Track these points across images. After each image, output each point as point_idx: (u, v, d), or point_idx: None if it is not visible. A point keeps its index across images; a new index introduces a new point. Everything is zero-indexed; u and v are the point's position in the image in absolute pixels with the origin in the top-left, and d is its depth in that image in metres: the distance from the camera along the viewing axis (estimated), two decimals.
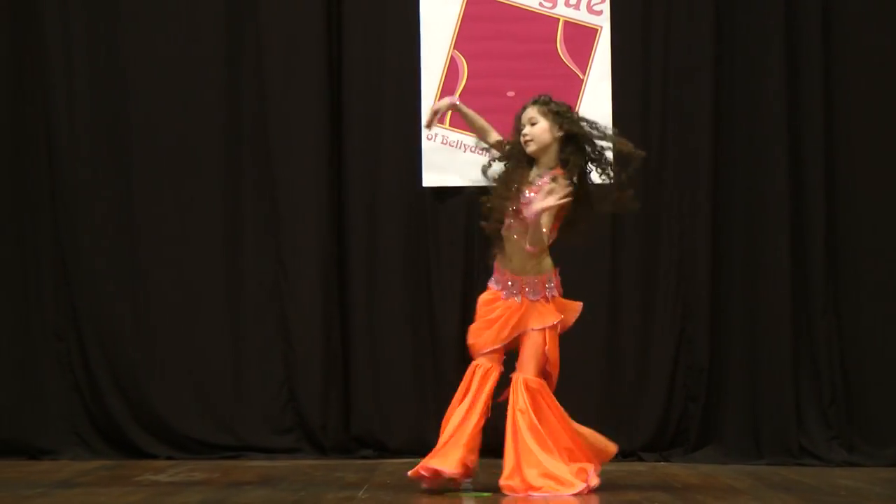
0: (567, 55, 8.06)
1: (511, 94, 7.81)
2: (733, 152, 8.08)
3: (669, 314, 8.04)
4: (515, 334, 6.55)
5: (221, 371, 8.13)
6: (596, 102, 8.01)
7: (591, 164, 6.63)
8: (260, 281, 8.16)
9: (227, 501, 6.26)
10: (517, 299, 6.57)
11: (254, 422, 8.08)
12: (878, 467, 7.69)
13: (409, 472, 6.57)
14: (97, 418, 8.11)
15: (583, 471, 6.48)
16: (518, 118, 6.66)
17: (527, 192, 6.53)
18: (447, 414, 6.64)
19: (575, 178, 6.56)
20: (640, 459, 7.93)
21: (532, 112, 6.59)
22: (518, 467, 6.40)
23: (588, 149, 6.60)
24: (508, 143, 6.70)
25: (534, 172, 6.60)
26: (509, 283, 6.59)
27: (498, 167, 6.71)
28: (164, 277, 8.15)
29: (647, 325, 8.05)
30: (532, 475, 6.36)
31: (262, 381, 8.12)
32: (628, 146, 6.58)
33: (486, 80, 7.98)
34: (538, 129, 6.57)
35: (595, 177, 6.68)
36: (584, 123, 6.62)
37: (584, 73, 8.05)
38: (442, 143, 8.06)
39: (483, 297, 6.69)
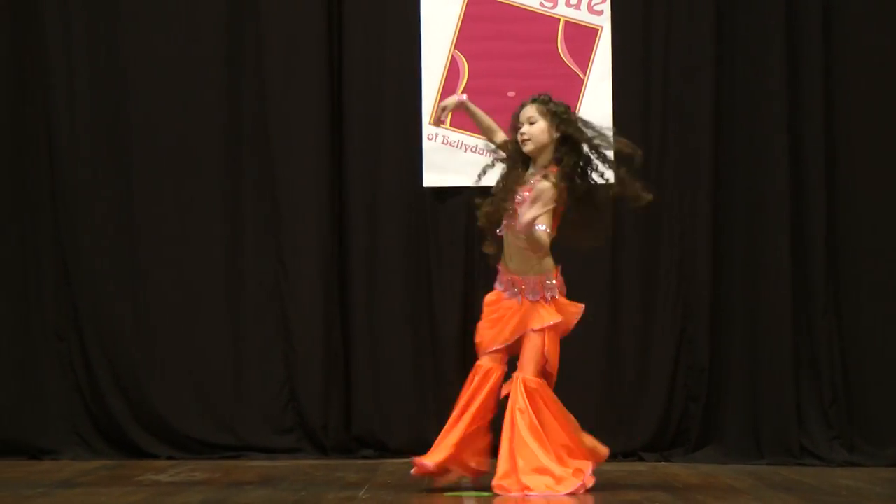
0: (568, 55, 8.06)
1: (512, 94, 7.81)
2: (734, 152, 8.08)
3: (670, 314, 8.04)
4: (517, 335, 6.55)
5: (222, 371, 8.13)
6: (596, 102, 8.01)
7: (587, 163, 6.60)
8: (260, 281, 8.16)
9: (228, 501, 6.26)
10: (518, 300, 6.57)
11: (254, 422, 8.08)
12: (878, 467, 7.69)
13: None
14: (98, 418, 8.11)
15: (579, 471, 6.47)
16: (516, 116, 6.65)
17: (521, 191, 6.53)
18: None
19: (577, 178, 6.55)
20: (641, 459, 7.93)
21: (531, 111, 6.58)
22: (513, 467, 6.39)
23: (585, 148, 6.59)
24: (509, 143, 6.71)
25: (529, 171, 6.60)
26: (510, 283, 6.59)
27: (499, 168, 6.72)
28: (165, 277, 8.15)
29: (648, 325, 8.05)
30: (528, 474, 6.36)
31: (262, 381, 8.12)
32: (628, 147, 6.58)
33: (486, 80, 7.98)
34: (536, 129, 6.56)
35: (595, 177, 6.68)
36: (581, 126, 6.60)
37: (585, 74, 8.05)
38: (442, 143, 8.06)
39: (488, 298, 6.70)
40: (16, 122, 8.22)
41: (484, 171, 6.79)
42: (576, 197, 6.57)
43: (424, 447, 7.76)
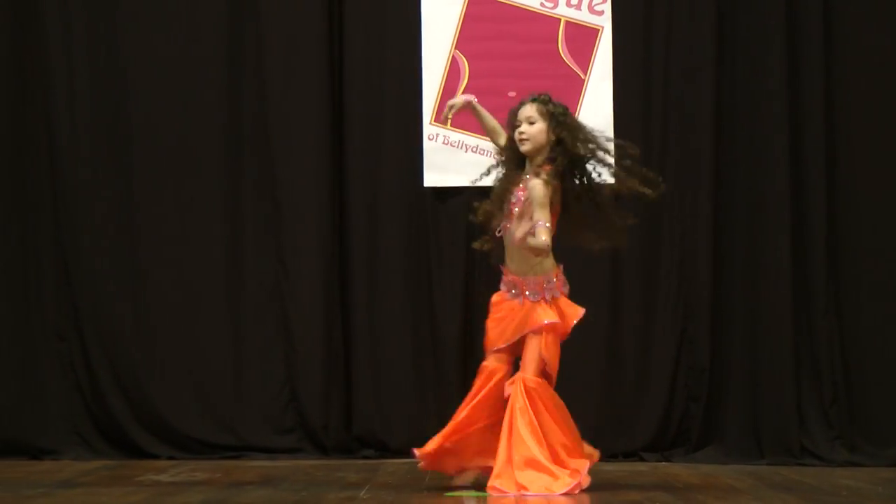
0: (568, 55, 8.06)
1: (512, 94, 7.80)
2: (734, 152, 8.08)
3: (671, 314, 8.04)
4: (518, 335, 6.55)
5: (222, 371, 8.13)
6: (597, 103, 8.01)
7: (581, 165, 6.58)
8: (261, 281, 8.16)
9: (229, 501, 6.26)
10: (519, 301, 6.57)
11: (255, 422, 8.08)
12: (879, 467, 7.68)
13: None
14: (98, 418, 8.11)
15: (576, 471, 6.47)
16: (514, 113, 6.62)
17: (515, 192, 6.53)
18: None
19: (571, 179, 6.54)
20: (642, 459, 7.93)
21: (531, 110, 6.57)
22: (509, 467, 6.39)
23: (580, 149, 6.56)
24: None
25: (525, 171, 6.59)
26: (512, 284, 6.60)
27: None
28: (165, 277, 8.15)
29: (649, 326, 8.05)
30: (523, 470, 6.36)
31: (263, 382, 8.12)
32: (631, 149, 6.60)
33: (487, 81, 7.98)
34: (535, 130, 6.55)
35: (592, 178, 6.67)
36: (577, 131, 6.56)
37: (586, 74, 8.05)
38: (443, 143, 8.06)
39: (493, 298, 6.71)
40: (16, 122, 8.22)
41: (488, 171, 6.80)
42: (574, 197, 6.57)
43: None
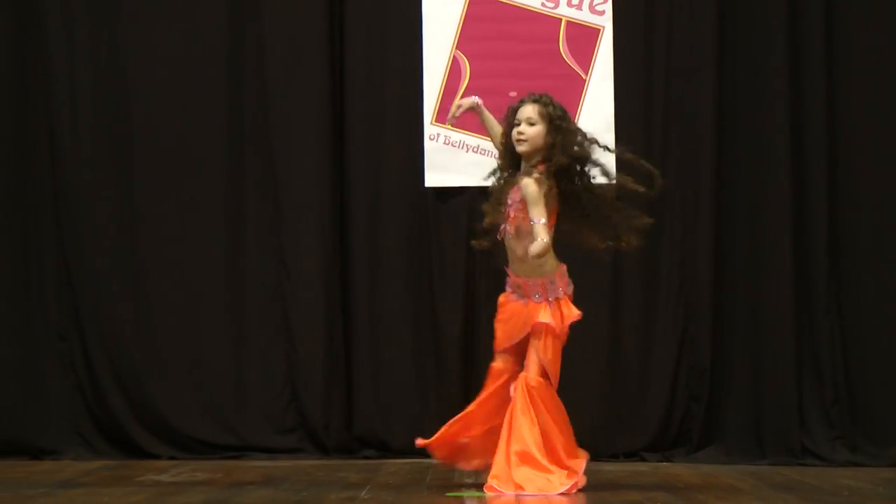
0: (569, 55, 8.06)
1: (513, 94, 7.77)
2: (736, 152, 8.08)
3: (672, 314, 8.04)
4: (522, 335, 6.55)
5: (224, 371, 8.13)
6: (598, 103, 8.01)
7: (574, 167, 6.56)
8: (262, 281, 8.16)
9: (230, 502, 6.26)
10: (524, 302, 6.57)
11: (256, 422, 8.08)
12: (880, 467, 7.68)
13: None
14: (99, 418, 8.11)
15: (573, 472, 6.48)
16: (514, 111, 6.59)
17: (510, 193, 6.52)
18: None
19: (565, 180, 6.53)
20: (643, 459, 7.93)
21: (531, 111, 6.54)
22: (507, 466, 6.39)
23: (573, 154, 6.54)
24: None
25: (520, 171, 6.57)
26: (516, 286, 6.59)
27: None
28: (167, 277, 8.15)
29: (650, 325, 8.05)
30: (521, 471, 6.36)
31: (264, 382, 8.12)
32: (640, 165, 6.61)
33: (488, 80, 7.97)
34: (534, 132, 6.53)
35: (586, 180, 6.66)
36: (572, 137, 6.53)
37: (587, 74, 8.05)
38: (444, 143, 8.06)
39: (500, 298, 6.70)
40: (17, 122, 8.22)
41: (493, 172, 6.78)
42: (572, 196, 6.55)
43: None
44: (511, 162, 6.62)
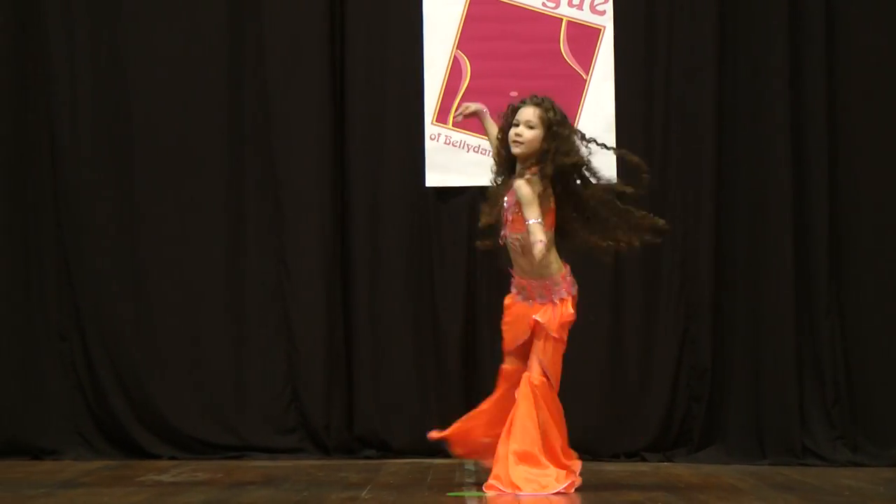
0: (570, 55, 8.06)
1: (514, 93, 7.78)
2: (736, 152, 8.08)
3: (673, 314, 8.04)
4: (526, 337, 6.54)
5: (224, 371, 8.13)
6: (599, 103, 8.01)
7: (567, 172, 6.55)
8: (263, 281, 8.15)
9: (230, 502, 6.25)
10: (528, 303, 6.56)
11: (257, 422, 8.08)
12: (881, 467, 7.68)
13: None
14: (100, 418, 8.11)
15: (571, 472, 6.48)
16: (513, 111, 6.55)
17: (506, 195, 6.52)
18: None
19: (559, 183, 6.52)
20: (644, 460, 7.93)
21: (531, 114, 6.51)
22: (505, 466, 6.39)
23: (566, 162, 6.53)
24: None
25: (515, 173, 6.57)
26: (521, 287, 6.58)
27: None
28: (167, 277, 8.15)
29: (651, 326, 8.05)
30: (519, 469, 6.36)
31: (265, 382, 8.12)
32: (636, 161, 6.60)
33: (489, 80, 7.97)
34: (531, 135, 6.50)
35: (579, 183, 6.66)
36: (568, 144, 6.49)
37: (588, 73, 8.05)
38: (445, 143, 8.06)
39: (506, 300, 6.68)
40: (18, 122, 8.22)
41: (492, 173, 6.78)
42: (569, 199, 6.54)
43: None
44: (507, 164, 6.61)
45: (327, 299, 8.08)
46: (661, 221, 6.63)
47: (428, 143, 8.06)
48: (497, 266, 6.79)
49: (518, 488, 6.31)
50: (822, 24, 8.01)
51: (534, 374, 6.49)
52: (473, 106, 6.80)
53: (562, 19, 8.06)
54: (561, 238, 6.57)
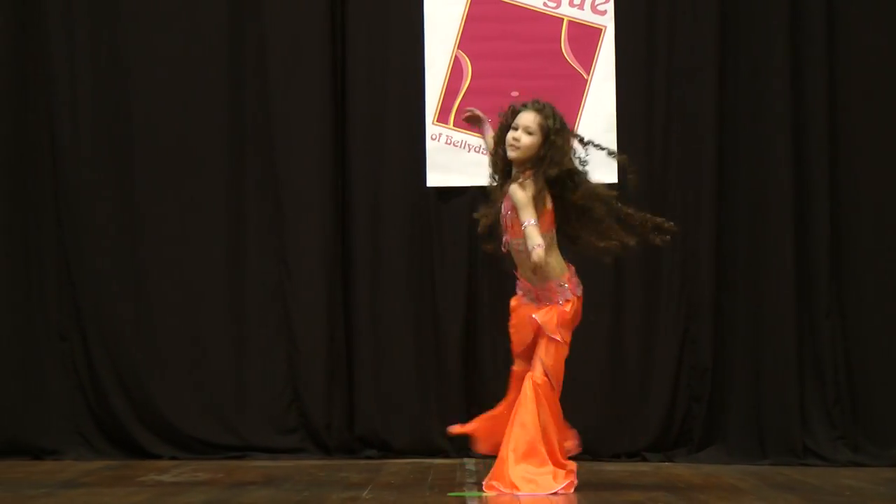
0: (571, 55, 8.06)
1: (515, 93, 7.79)
2: (737, 153, 8.08)
3: (673, 314, 8.04)
4: (531, 339, 6.55)
5: (225, 371, 8.13)
6: (600, 103, 8.01)
7: (560, 178, 6.55)
8: (263, 281, 8.15)
9: (231, 502, 6.25)
10: (535, 305, 6.56)
11: (257, 422, 8.08)
12: (882, 467, 7.68)
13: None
14: (101, 418, 8.11)
15: (570, 471, 6.48)
16: (514, 113, 6.54)
17: (504, 201, 6.52)
18: None
19: (568, 189, 6.52)
20: (644, 460, 7.93)
21: (531, 120, 6.48)
22: (506, 466, 6.40)
23: (557, 171, 6.52)
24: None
25: (511, 177, 6.57)
26: (527, 290, 6.58)
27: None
28: (168, 277, 8.15)
29: (651, 325, 8.05)
30: (519, 468, 6.36)
31: (265, 382, 8.12)
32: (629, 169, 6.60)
33: (490, 80, 7.98)
34: (529, 142, 6.48)
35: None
36: (563, 153, 6.47)
37: (589, 73, 8.05)
38: (446, 143, 8.06)
39: (512, 302, 6.68)
40: (18, 122, 8.22)
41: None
42: (565, 203, 6.54)
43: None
44: (502, 163, 6.59)
45: (328, 299, 8.08)
46: (667, 223, 6.62)
47: (429, 143, 8.06)
48: (498, 266, 6.79)
49: (516, 488, 6.32)
50: (822, 25, 8.01)
51: (536, 373, 6.49)
52: (478, 114, 6.79)
53: (563, 19, 8.06)
54: (566, 241, 6.57)
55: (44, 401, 8.12)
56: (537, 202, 6.39)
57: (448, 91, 8.03)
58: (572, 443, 6.64)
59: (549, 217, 6.48)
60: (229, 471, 7.41)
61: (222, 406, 8.10)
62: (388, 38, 8.15)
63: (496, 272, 6.80)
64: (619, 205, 6.58)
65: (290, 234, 8.13)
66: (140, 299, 8.15)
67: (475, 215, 6.79)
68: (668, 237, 6.62)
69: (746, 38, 8.09)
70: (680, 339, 8.03)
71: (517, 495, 6.29)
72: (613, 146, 7.90)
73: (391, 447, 8.02)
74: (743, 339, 8.01)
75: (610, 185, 6.76)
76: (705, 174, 8.07)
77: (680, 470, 7.52)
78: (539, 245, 6.27)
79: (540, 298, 6.53)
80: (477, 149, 7.98)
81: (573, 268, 6.57)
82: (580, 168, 6.53)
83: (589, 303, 6.72)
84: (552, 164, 6.43)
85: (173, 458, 7.97)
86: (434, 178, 8.07)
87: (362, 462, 7.85)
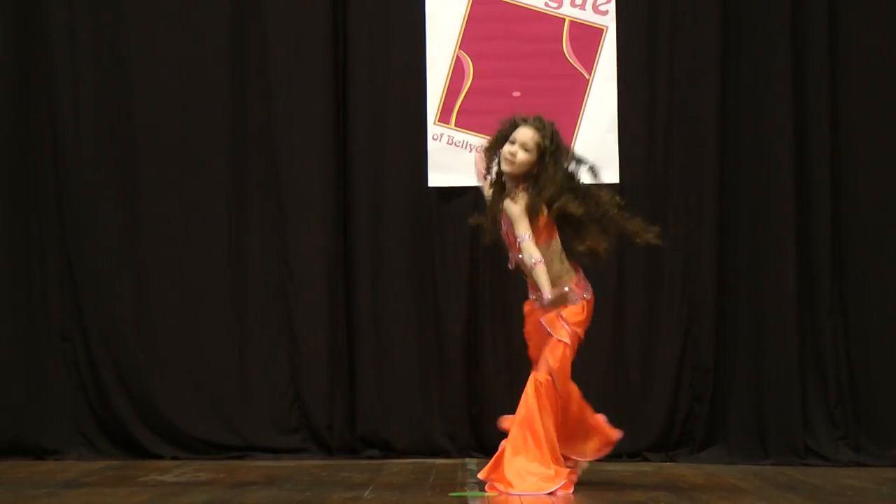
0: (573, 55, 8.06)
1: (517, 94, 7.81)
2: (739, 155, 8.08)
3: (675, 314, 8.04)
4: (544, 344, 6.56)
5: (227, 371, 8.13)
6: (601, 103, 8.01)
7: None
8: (265, 281, 8.16)
9: (233, 502, 6.25)
10: (545, 310, 6.54)
11: (259, 422, 8.08)
12: (884, 467, 7.68)
13: None
14: (102, 418, 8.11)
15: (571, 472, 6.48)
16: (513, 126, 6.54)
17: (502, 217, 6.53)
18: None
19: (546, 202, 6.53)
20: (646, 459, 7.93)
21: (529, 137, 6.49)
22: (502, 464, 6.40)
23: (550, 190, 6.52)
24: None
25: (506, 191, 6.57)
26: (537, 294, 6.57)
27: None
28: (170, 277, 8.15)
29: (653, 326, 8.05)
30: (514, 466, 6.36)
31: (267, 382, 8.12)
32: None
33: (491, 81, 7.98)
34: (525, 158, 6.48)
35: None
36: (553, 173, 6.46)
37: (590, 74, 8.05)
38: (447, 143, 8.06)
39: (525, 307, 6.68)
40: (20, 122, 8.22)
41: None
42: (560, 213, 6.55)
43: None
44: (499, 184, 6.60)
45: (330, 299, 8.08)
46: (655, 239, 6.62)
47: (430, 144, 8.07)
48: (499, 266, 6.79)
49: (510, 484, 6.32)
50: (824, 27, 8.01)
51: (540, 372, 6.50)
52: (481, 164, 6.76)
53: (564, 19, 8.06)
54: (564, 240, 6.58)
55: (45, 401, 8.12)
56: (531, 214, 6.41)
57: (449, 91, 8.03)
58: (594, 443, 6.64)
59: (547, 227, 6.48)
60: (231, 471, 7.41)
61: (224, 406, 8.11)
62: (389, 38, 8.15)
63: (497, 272, 6.80)
64: (619, 213, 6.58)
65: (291, 234, 8.13)
66: (142, 299, 8.15)
67: (471, 221, 6.84)
68: (658, 242, 6.64)
69: (748, 41, 8.09)
70: (682, 340, 8.03)
71: (516, 494, 6.28)
72: (615, 146, 7.97)
73: (393, 447, 8.02)
74: (745, 339, 8.02)
75: (610, 185, 6.76)
76: (707, 177, 8.07)
77: (682, 470, 7.52)
78: (538, 261, 6.34)
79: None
80: (479, 149, 7.97)
81: (581, 272, 6.57)
82: (559, 197, 6.49)
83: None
84: (543, 187, 6.44)
85: (175, 458, 7.97)
86: (435, 179, 8.07)
87: (364, 462, 7.85)
